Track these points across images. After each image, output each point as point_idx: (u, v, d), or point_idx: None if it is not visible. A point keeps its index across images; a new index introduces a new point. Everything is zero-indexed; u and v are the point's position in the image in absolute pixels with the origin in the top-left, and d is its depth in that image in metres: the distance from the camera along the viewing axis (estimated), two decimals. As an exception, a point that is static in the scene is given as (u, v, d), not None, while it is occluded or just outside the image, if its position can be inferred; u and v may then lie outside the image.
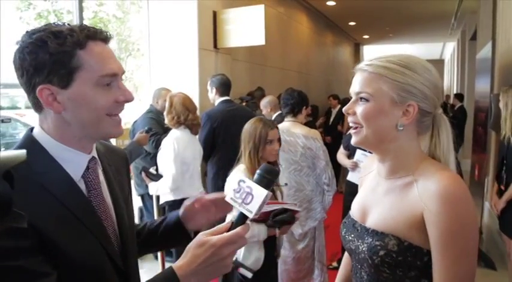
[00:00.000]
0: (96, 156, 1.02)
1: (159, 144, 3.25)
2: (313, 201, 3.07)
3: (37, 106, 0.93)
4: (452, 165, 1.07)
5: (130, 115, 4.18)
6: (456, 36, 11.94)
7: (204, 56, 4.75)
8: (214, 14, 4.87)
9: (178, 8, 4.68)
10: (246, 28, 4.72)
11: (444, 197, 0.94)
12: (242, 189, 0.94)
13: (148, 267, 4.07)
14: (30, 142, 0.93)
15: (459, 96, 8.37)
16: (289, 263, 3.07)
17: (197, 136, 3.37)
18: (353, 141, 1.09)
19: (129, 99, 0.97)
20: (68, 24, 0.92)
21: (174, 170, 3.01)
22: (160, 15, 4.79)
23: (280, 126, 3.16)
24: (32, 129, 0.97)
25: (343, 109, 1.09)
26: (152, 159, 3.62)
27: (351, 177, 3.62)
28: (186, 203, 1.20)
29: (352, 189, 3.45)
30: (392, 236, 1.02)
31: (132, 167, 4.44)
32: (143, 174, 3.25)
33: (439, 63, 19.48)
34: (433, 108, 1.06)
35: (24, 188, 0.82)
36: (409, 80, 1.02)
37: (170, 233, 1.20)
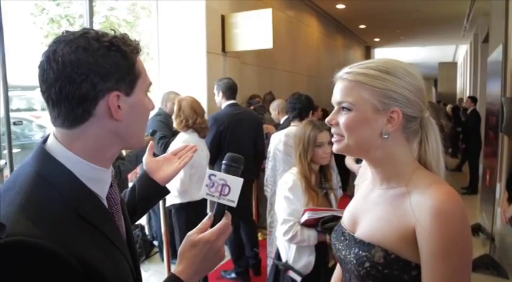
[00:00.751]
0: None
1: (168, 147, 3.26)
2: (319, 206, 3.03)
3: (81, 118, 0.82)
4: (443, 170, 1.04)
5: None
6: (469, 39, 11.81)
7: (212, 60, 4.77)
8: (223, 18, 4.89)
9: (186, 12, 4.70)
10: (254, 32, 4.72)
11: (438, 215, 0.90)
12: (215, 182, 0.96)
13: (155, 270, 4.10)
14: (50, 162, 0.82)
15: (473, 99, 8.20)
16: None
17: (205, 139, 3.37)
18: (334, 148, 1.06)
19: (154, 107, 0.98)
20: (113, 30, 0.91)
21: (183, 173, 3.01)
22: (169, 19, 4.82)
23: (286, 130, 3.16)
24: (44, 142, 0.86)
25: (326, 120, 1.07)
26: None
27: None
28: (144, 158, 1.29)
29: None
30: (379, 248, 0.98)
31: (140, 170, 4.46)
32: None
33: (452, 66, 19.28)
34: (418, 112, 1.02)
35: (63, 220, 0.77)
36: (390, 86, 0.98)
37: (149, 196, 1.26)
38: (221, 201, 0.95)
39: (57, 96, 0.80)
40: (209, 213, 0.97)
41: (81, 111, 0.82)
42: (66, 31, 0.85)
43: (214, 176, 0.96)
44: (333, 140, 1.05)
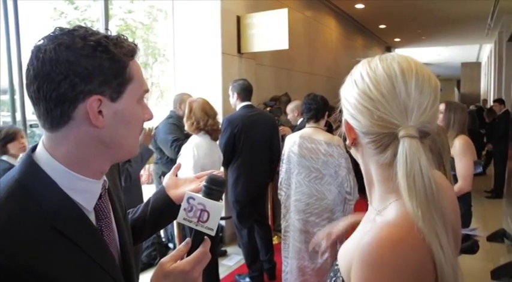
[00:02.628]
0: (105, 177, 0.91)
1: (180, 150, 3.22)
2: (335, 211, 2.95)
3: (60, 121, 0.77)
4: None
5: (156, 121, 4.20)
6: (493, 38, 11.49)
7: (228, 61, 4.73)
8: (238, 19, 4.85)
9: (202, 13, 4.69)
10: (270, 32, 4.67)
11: (364, 257, 0.70)
12: (194, 207, 0.87)
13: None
14: (34, 171, 0.78)
15: (501, 101, 7.91)
16: (308, 274, 2.98)
17: (217, 142, 3.32)
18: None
19: (152, 117, 0.90)
20: (109, 30, 0.86)
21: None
22: (184, 20, 4.82)
23: (301, 132, 3.07)
24: (33, 150, 0.82)
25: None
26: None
27: None
28: (166, 175, 1.23)
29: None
30: (340, 275, 0.85)
31: (153, 172, 4.45)
32: (162, 179, 3.22)
33: (475, 66, 18.82)
34: (374, 127, 0.78)
35: (34, 234, 0.72)
36: (343, 92, 0.86)
37: (161, 212, 1.18)
38: (198, 228, 0.86)
39: (35, 95, 0.76)
40: (188, 238, 0.88)
41: (59, 113, 0.76)
42: (60, 28, 0.80)
43: (193, 199, 0.88)
44: None
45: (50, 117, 0.77)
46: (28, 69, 0.76)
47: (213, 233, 0.87)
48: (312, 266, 2.97)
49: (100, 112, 0.78)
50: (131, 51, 0.83)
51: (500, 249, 4.63)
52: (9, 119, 3.38)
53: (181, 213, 0.88)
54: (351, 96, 0.81)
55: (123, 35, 0.84)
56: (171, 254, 0.87)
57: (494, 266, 4.00)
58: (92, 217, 0.85)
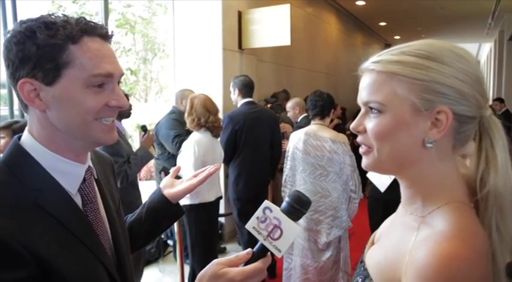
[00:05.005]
0: (91, 165, 0.94)
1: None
2: (339, 208, 2.92)
3: (23, 104, 0.84)
4: (511, 196, 0.74)
5: (155, 117, 4.16)
6: (493, 37, 11.49)
7: (229, 57, 4.68)
8: (239, 14, 4.80)
9: (203, 8, 4.64)
10: (272, 28, 4.62)
11: (428, 275, 0.65)
12: (268, 219, 0.79)
13: (169, 270, 4.05)
14: (19, 153, 0.84)
15: (501, 100, 7.87)
16: (310, 272, 2.95)
17: (218, 139, 3.28)
18: (363, 164, 0.81)
19: (123, 105, 0.88)
20: (65, 15, 0.84)
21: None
22: (185, 15, 4.76)
23: (306, 129, 3.04)
24: (20, 136, 0.88)
25: (351, 127, 0.81)
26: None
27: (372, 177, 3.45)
28: (165, 178, 1.24)
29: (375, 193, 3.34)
30: (370, 280, 0.80)
31: (154, 168, 4.42)
32: (162, 174, 3.20)
33: (474, 65, 18.81)
34: (476, 111, 0.74)
35: (18, 208, 0.77)
36: (434, 76, 0.72)
37: (157, 212, 1.17)
38: (266, 243, 0.80)
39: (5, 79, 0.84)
40: (249, 249, 0.82)
41: (19, 97, 0.83)
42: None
43: (270, 211, 0.80)
44: (361, 151, 0.81)
45: (18, 100, 0.84)
46: None
47: (279, 255, 0.80)
48: (314, 265, 2.94)
49: (38, 96, 0.81)
50: (72, 35, 0.81)
51: None
52: (7, 113, 3.33)
53: (253, 221, 0.82)
54: (452, 79, 0.73)
55: (78, 18, 0.84)
56: (229, 257, 0.82)
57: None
58: (78, 200, 0.88)
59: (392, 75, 0.74)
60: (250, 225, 0.81)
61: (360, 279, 0.83)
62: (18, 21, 0.83)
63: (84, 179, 0.89)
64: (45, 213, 0.79)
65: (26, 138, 0.86)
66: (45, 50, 0.79)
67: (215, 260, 0.81)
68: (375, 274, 0.80)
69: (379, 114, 0.75)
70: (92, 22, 0.85)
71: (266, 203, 0.82)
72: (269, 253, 0.82)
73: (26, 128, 0.87)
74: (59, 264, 0.77)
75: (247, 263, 0.80)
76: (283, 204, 0.82)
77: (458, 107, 0.72)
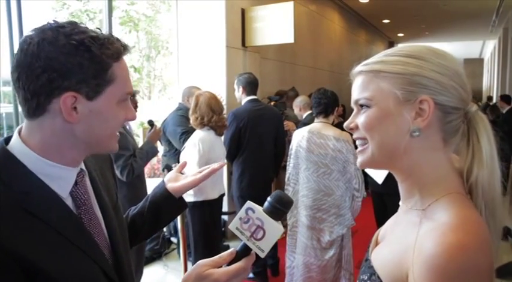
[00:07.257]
0: (83, 165, 0.94)
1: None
2: (342, 207, 2.92)
3: (35, 111, 0.81)
4: (497, 193, 0.81)
5: (159, 114, 4.16)
6: (497, 34, 11.44)
7: (232, 55, 4.68)
8: (243, 12, 4.79)
9: (206, 5, 4.63)
10: (275, 26, 4.61)
11: (431, 272, 0.67)
12: (251, 219, 0.80)
13: (173, 267, 4.07)
14: (5, 157, 0.82)
15: (506, 98, 7.78)
16: (313, 271, 2.94)
17: (222, 137, 3.28)
18: (358, 162, 0.86)
19: (135, 117, 0.94)
20: (99, 29, 0.86)
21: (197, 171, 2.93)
22: (188, 13, 4.76)
23: (310, 127, 3.03)
24: (7, 140, 0.86)
25: (344, 126, 0.88)
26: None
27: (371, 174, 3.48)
28: (170, 172, 1.24)
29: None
30: (377, 277, 0.81)
31: (161, 165, 4.43)
32: (165, 172, 3.21)
33: (478, 63, 18.78)
34: (459, 102, 0.79)
35: (5, 213, 0.75)
36: (414, 70, 0.78)
37: (159, 205, 1.18)
38: (249, 244, 0.81)
39: (16, 83, 0.80)
40: (232, 248, 0.83)
41: (35, 104, 0.80)
42: (54, 21, 0.83)
43: (253, 211, 0.81)
44: (358, 150, 0.86)
45: (27, 106, 0.81)
46: (14, 58, 0.80)
47: (262, 255, 0.81)
48: (317, 263, 2.94)
49: (75, 108, 0.81)
50: (117, 53, 0.84)
51: (504, 248, 4.61)
52: (11, 110, 3.35)
53: (235, 222, 0.82)
54: (431, 72, 0.78)
55: (113, 36, 0.86)
56: (212, 258, 0.84)
57: (498, 264, 3.97)
58: (70, 203, 0.87)
59: (377, 73, 0.81)
60: (233, 226, 0.82)
61: (366, 277, 0.85)
62: (52, 27, 0.80)
63: (76, 182, 0.89)
64: (32, 216, 0.77)
65: (16, 143, 0.84)
66: (96, 66, 0.81)
67: (200, 261, 0.83)
68: (381, 270, 0.81)
69: (367, 109, 0.82)
70: (120, 39, 0.89)
71: (248, 203, 0.83)
72: (253, 252, 0.83)
73: (16, 134, 0.85)
74: (49, 266, 0.76)
75: (231, 262, 0.82)
76: (265, 204, 0.83)
77: (440, 97, 0.78)
